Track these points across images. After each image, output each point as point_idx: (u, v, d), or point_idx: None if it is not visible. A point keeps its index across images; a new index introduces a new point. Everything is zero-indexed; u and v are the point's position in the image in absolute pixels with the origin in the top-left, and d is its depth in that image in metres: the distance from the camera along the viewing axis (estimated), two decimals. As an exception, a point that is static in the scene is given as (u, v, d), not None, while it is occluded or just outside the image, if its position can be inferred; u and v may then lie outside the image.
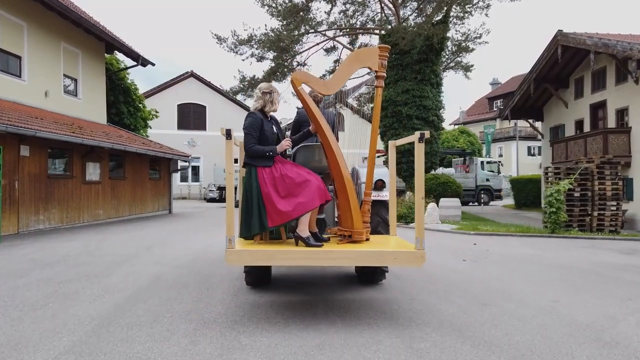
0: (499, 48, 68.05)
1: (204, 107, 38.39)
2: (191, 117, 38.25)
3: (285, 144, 4.24)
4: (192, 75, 38.10)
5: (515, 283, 5.50)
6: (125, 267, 6.43)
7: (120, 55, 20.41)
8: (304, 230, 4.08)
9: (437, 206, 15.16)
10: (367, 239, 4.33)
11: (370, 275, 5.29)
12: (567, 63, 18.96)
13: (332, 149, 4.23)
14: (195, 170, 37.59)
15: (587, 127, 18.45)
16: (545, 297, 4.82)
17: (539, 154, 47.35)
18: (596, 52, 15.56)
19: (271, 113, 4.38)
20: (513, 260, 7.24)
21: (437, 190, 19.69)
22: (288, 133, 5.02)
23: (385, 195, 4.99)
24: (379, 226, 5.01)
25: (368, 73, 4.17)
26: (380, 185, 4.97)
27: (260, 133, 4.19)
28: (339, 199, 4.30)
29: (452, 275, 5.90)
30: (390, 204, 5.00)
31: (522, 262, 7.07)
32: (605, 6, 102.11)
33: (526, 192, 24.61)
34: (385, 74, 4.28)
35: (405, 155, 22.09)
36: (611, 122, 16.94)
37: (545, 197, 11.04)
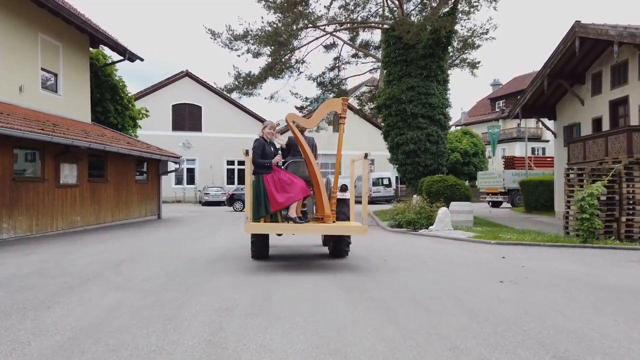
0: (498, 49, 66.80)
1: (200, 107, 37.10)
2: (186, 118, 36.95)
3: (277, 158, 6.65)
4: (187, 74, 36.80)
5: (585, 319, 4.13)
6: (78, 293, 5.10)
7: (108, 51, 19.09)
8: (292, 213, 6.47)
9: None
10: (334, 222, 6.69)
11: (338, 251, 7.53)
12: (584, 57, 17.70)
13: (312, 163, 6.58)
14: (191, 172, 36.31)
15: (605, 126, 17.17)
16: None
17: (543, 154, 46.15)
18: (620, 43, 14.29)
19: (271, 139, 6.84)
20: (563, 281, 5.88)
21: (445, 193, 18.32)
22: (280, 152, 7.08)
23: (347, 195, 7.17)
24: (343, 215, 7.11)
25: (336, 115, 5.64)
26: (344, 188, 7.12)
27: (262, 151, 6.50)
28: (315, 196, 6.72)
29: (496, 306, 4.56)
30: (351, 201, 7.18)
31: (576, 284, 5.68)
32: (610, 4, 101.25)
33: (537, 195, 23.30)
34: (345, 116, 6.63)
35: (410, 156, 20.80)
36: (634, 120, 15.66)
37: (575, 202, 9.77)
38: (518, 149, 47.21)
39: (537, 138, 46.22)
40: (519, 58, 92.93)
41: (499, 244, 9.89)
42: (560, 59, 17.50)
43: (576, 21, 16.04)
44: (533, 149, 47.38)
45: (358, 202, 7.19)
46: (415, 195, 17.26)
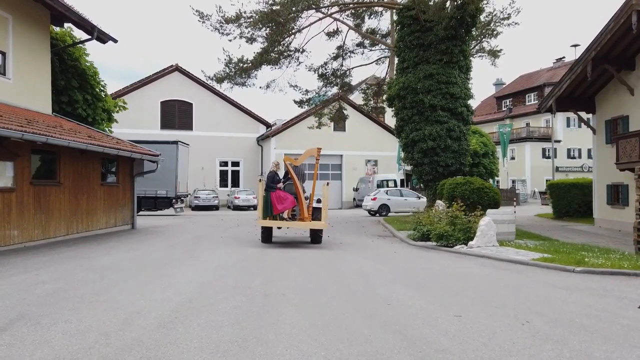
0: (502, 48, 64.66)
1: (191, 104, 34.48)
2: (176, 115, 34.33)
3: (279, 185, 11.14)
4: (177, 69, 34.10)
5: None
6: None
7: (78, 33, 16.09)
8: (286, 215, 11.09)
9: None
10: (310, 221, 11.02)
11: (315, 239, 11.47)
12: (635, 38, 14.96)
13: (298, 186, 11.02)
14: (181, 174, 33.43)
15: (664, 118, 14.43)
16: None
17: (555, 156, 43.37)
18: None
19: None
20: None
21: (471, 198, 15.47)
22: (283, 179, 11.60)
23: (320, 205, 11.21)
24: (317, 218, 11.17)
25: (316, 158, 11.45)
26: (319, 201, 11.31)
27: (273, 179, 11.13)
28: (299, 205, 11.07)
29: None
30: (323, 209, 11.11)
31: None
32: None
33: (568, 200, 20.47)
34: (319, 159, 11.32)
35: (428, 155, 17.98)
36: None
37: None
38: (528, 150, 44.49)
39: (546, 138, 43.44)
40: (521, 58, 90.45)
41: (587, 273, 7.02)
42: (609, 40, 14.73)
43: (632, -8, 13.29)
44: (544, 150, 44.75)
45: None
46: (439, 201, 14.37)
